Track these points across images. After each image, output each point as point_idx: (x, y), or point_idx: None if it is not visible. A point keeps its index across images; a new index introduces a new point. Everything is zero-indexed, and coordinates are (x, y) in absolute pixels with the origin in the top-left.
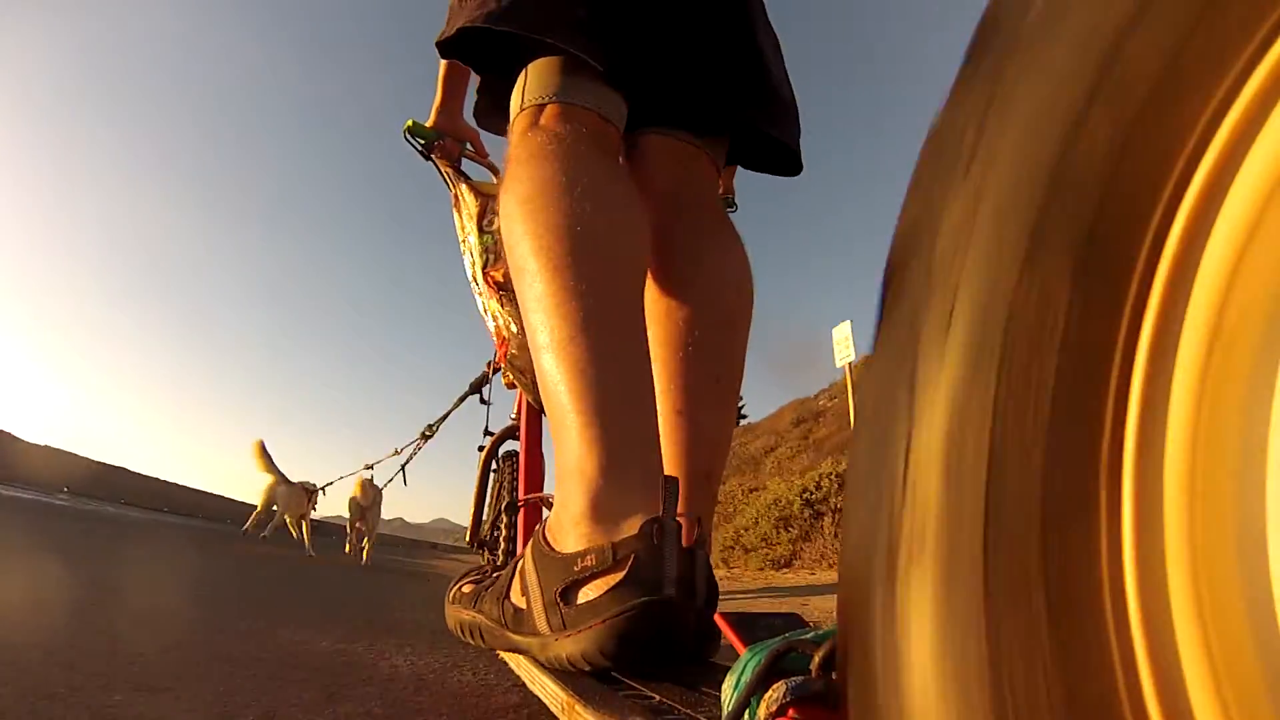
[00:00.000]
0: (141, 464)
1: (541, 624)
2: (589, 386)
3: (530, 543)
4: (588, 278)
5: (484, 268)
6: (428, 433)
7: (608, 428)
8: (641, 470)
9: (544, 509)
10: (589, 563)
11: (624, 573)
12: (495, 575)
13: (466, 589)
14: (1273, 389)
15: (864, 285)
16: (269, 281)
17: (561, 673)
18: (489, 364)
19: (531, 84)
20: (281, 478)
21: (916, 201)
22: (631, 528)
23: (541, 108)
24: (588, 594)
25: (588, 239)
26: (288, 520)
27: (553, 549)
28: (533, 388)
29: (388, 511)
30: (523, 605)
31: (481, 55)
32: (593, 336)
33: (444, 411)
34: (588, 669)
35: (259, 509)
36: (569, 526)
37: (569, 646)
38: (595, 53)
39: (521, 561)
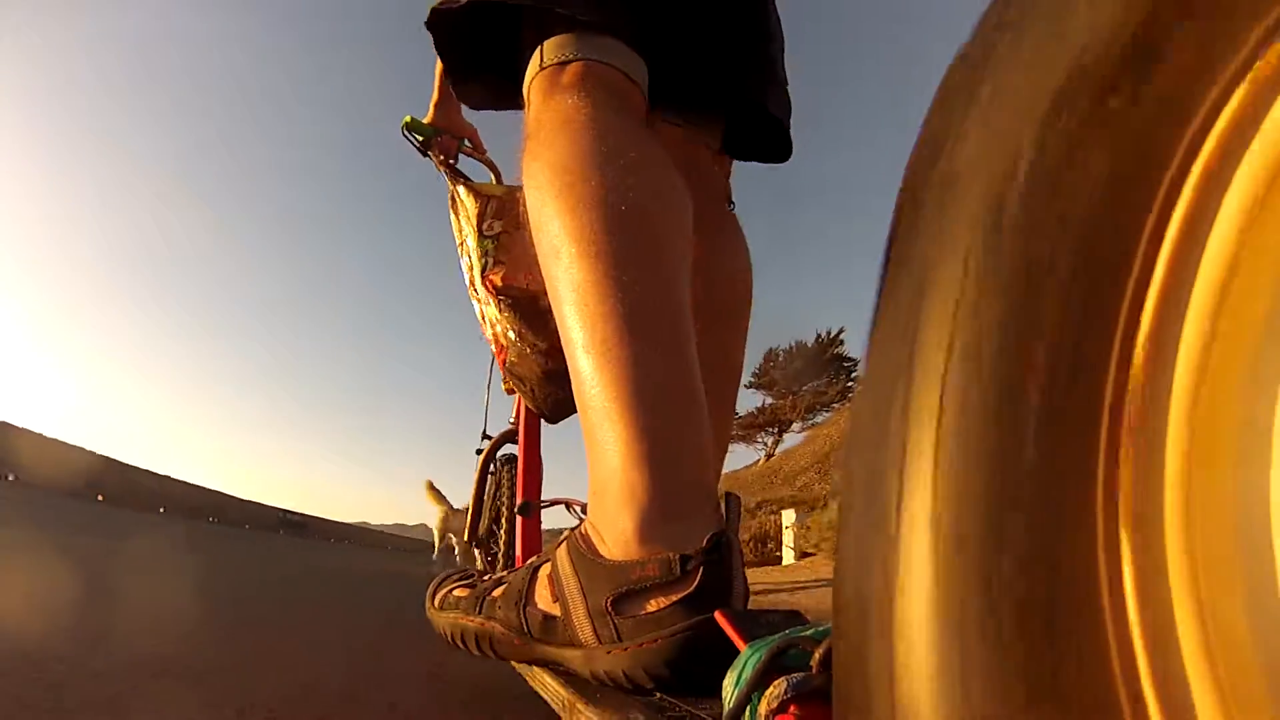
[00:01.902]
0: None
1: (585, 634)
2: (641, 392)
3: (564, 547)
4: (636, 265)
5: (483, 271)
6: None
7: (660, 442)
8: (697, 486)
9: (542, 515)
10: (650, 573)
11: (692, 587)
12: (499, 578)
13: (460, 593)
14: (1272, 389)
15: (860, 292)
16: (302, 285)
17: (563, 672)
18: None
19: (550, 48)
20: (451, 508)
21: (909, 203)
22: (696, 540)
23: (563, 66)
24: (647, 606)
25: (635, 220)
26: (455, 544)
27: (601, 555)
28: (532, 395)
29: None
30: (555, 613)
31: (474, 39)
32: (643, 335)
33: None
34: (649, 685)
35: (437, 540)
36: (615, 537)
37: (625, 661)
38: (607, 23)
39: (549, 566)
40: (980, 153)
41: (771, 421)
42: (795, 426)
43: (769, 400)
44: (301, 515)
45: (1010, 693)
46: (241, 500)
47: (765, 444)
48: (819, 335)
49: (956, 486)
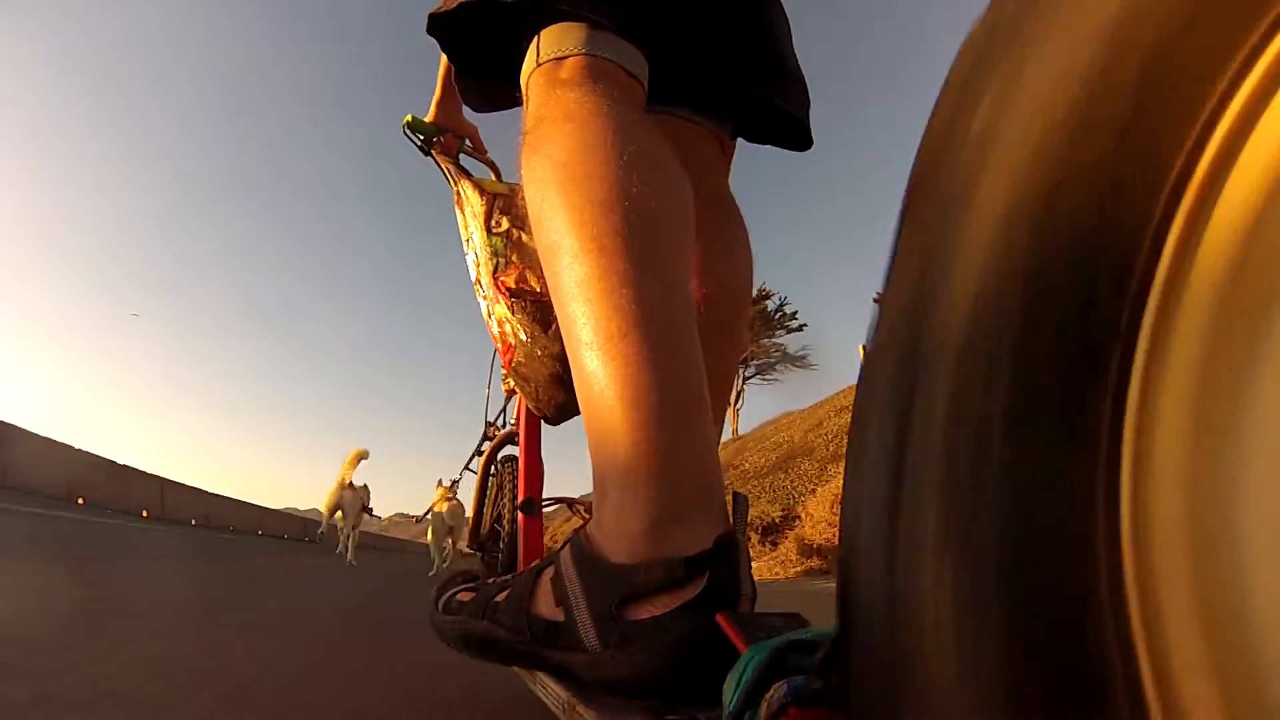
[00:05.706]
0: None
1: (590, 639)
2: (646, 392)
3: (569, 549)
4: (640, 261)
5: (494, 272)
6: (491, 433)
7: (667, 438)
8: (704, 485)
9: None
10: (656, 576)
11: (699, 589)
12: (504, 582)
13: (464, 597)
14: (1273, 391)
15: (859, 289)
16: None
17: (562, 674)
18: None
19: (547, 42)
20: (350, 484)
21: (914, 199)
22: (702, 542)
23: (561, 61)
24: (652, 610)
25: (639, 215)
26: (338, 525)
27: (605, 557)
28: (536, 396)
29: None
30: (559, 618)
31: (473, 41)
32: (648, 332)
33: (498, 409)
34: (656, 692)
35: (326, 513)
36: (620, 540)
37: (629, 665)
38: (608, 17)
39: (553, 569)
40: (984, 150)
41: None
42: None
43: None
44: None
45: (1010, 694)
46: None
47: None
48: None
49: (961, 489)
